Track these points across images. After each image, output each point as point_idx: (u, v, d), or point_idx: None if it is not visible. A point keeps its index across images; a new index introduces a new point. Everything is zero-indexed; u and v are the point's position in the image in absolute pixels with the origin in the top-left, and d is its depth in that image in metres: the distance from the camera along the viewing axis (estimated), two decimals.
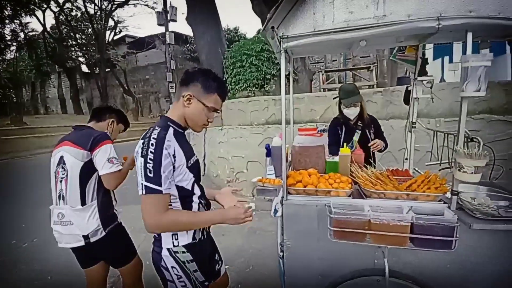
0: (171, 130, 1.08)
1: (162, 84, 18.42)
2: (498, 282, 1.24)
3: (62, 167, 1.53)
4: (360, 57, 10.25)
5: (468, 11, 1.13)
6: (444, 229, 1.07)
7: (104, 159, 1.49)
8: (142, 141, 1.03)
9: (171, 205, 1.09)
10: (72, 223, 1.51)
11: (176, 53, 16.12)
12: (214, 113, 1.17)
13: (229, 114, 5.18)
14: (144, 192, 0.99)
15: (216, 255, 1.36)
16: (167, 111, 1.28)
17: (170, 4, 12.57)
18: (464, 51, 1.16)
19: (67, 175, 1.51)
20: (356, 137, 2.29)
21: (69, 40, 20.72)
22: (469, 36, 1.15)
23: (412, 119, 2.07)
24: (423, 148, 3.23)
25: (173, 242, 1.12)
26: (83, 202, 1.52)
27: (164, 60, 13.97)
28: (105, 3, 19.45)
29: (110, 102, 1.87)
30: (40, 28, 22.93)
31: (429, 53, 9.19)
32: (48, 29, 19.62)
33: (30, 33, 20.45)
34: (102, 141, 1.52)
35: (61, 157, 1.53)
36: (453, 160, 1.25)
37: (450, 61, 8.57)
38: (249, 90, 7.27)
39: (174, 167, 1.04)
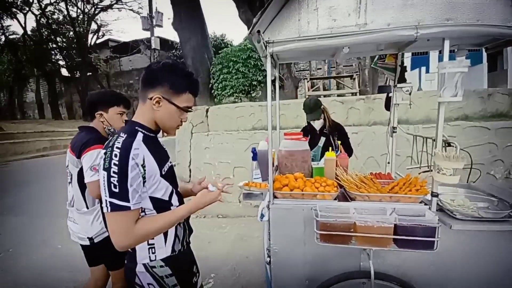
0: (139, 136, 0.98)
1: None
2: (478, 281, 1.28)
3: (69, 171, 1.59)
4: (344, 66, 10.57)
5: (445, 19, 1.19)
6: (425, 230, 1.10)
7: (87, 167, 1.43)
8: (104, 151, 0.92)
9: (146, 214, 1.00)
10: (78, 223, 1.58)
11: (162, 59, 15.83)
12: (187, 112, 1.07)
13: (215, 120, 5.14)
14: (109, 210, 0.88)
15: (194, 266, 1.25)
16: None
17: (156, 9, 12.50)
18: (441, 59, 1.21)
19: (71, 179, 1.57)
20: (321, 143, 2.46)
21: (50, 43, 20.07)
22: (446, 43, 1.20)
23: (393, 124, 2.14)
24: (403, 153, 3.33)
25: (149, 256, 1.01)
26: (87, 206, 1.57)
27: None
28: (88, 6, 19.09)
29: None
30: (21, 31, 22.09)
31: (407, 63, 9.63)
32: (29, 32, 18.98)
33: (11, 36, 19.72)
34: (88, 147, 1.45)
35: (68, 161, 1.59)
36: (432, 163, 1.29)
37: (427, 71, 9.04)
38: (236, 96, 7.28)
39: (144, 178, 0.94)
